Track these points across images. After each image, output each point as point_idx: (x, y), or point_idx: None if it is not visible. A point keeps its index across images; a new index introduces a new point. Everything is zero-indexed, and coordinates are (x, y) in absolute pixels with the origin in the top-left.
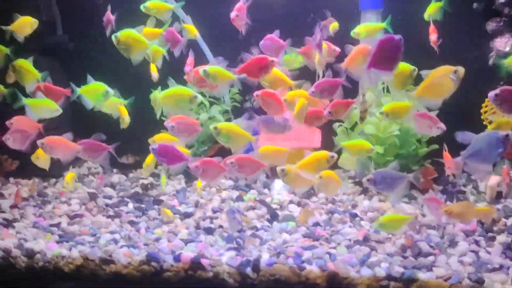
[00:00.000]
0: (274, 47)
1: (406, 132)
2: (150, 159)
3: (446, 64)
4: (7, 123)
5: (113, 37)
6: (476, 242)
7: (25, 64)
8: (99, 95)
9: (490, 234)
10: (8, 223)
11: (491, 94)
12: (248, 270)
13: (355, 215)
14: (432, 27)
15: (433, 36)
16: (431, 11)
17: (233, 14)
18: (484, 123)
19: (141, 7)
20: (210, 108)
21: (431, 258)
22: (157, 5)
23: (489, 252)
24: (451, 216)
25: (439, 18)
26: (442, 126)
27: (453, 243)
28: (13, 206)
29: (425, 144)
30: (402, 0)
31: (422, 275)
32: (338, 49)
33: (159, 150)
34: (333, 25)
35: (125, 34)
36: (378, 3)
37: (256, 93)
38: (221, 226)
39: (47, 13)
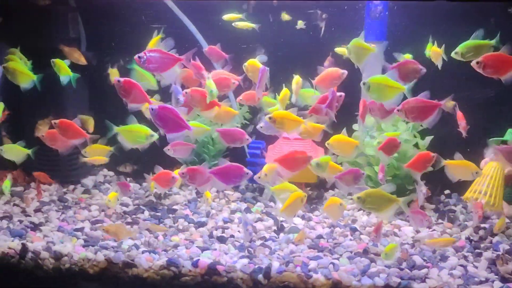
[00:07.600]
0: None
1: (403, 154)
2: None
3: None
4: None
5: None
6: (465, 257)
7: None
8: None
9: (477, 251)
10: (35, 227)
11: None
12: (260, 277)
13: (355, 229)
14: (459, 114)
15: (462, 123)
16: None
17: None
18: None
19: None
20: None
21: (424, 270)
22: None
23: (476, 267)
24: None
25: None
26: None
27: (444, 258)
28: (36, 210)
29: None
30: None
31: (417, 286)
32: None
33: (159, 112)
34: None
35: (12, 63)
36: (382, 35)
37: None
38: (232, 236)
39: (74, 30)
